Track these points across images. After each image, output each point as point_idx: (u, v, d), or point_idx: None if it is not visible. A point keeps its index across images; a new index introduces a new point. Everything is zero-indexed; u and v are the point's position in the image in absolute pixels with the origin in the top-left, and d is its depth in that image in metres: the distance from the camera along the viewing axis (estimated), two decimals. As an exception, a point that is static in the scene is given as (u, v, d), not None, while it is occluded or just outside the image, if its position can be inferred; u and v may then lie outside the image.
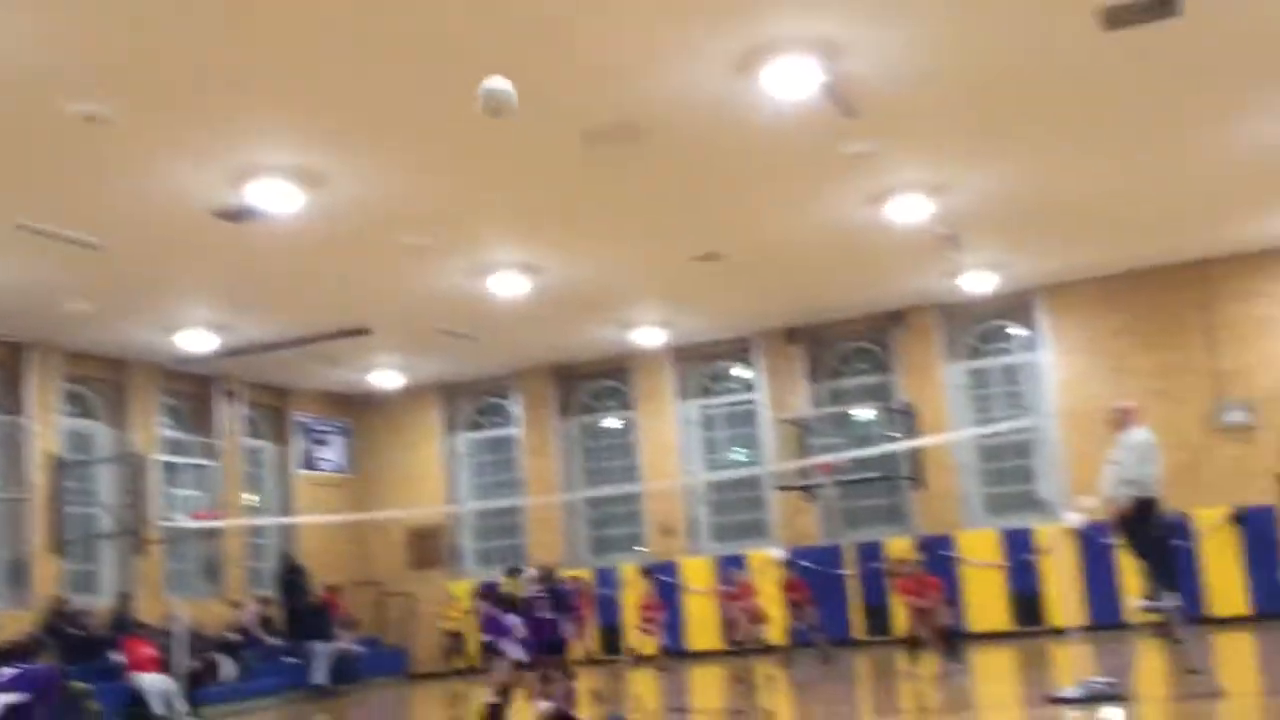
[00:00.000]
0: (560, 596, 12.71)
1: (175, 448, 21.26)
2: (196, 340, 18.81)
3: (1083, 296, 20.50)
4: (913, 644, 14.60)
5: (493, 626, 11.54)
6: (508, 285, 17.06)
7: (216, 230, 13.84)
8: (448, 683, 20.78)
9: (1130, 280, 20.12)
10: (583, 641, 14.31)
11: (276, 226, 13.85)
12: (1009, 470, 21.30)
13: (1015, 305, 21.14)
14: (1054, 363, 20.71)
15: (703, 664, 19.78)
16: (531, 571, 13.24)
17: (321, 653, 20.36)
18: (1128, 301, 20.23)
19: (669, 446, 23.01)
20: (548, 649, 11.94)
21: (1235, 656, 14.59)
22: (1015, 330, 21.49)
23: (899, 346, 21.74)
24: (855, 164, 13.54)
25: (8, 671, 8.58)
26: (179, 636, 14.53)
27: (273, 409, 23.89)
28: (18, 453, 18.66)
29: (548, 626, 12.06)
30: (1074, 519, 14.53)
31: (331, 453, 24.81)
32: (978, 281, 19.53)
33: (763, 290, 19.50)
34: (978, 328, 21.73)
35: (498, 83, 7.45)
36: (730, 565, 21.15)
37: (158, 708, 16.24)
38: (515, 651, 11.32)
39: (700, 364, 23.49)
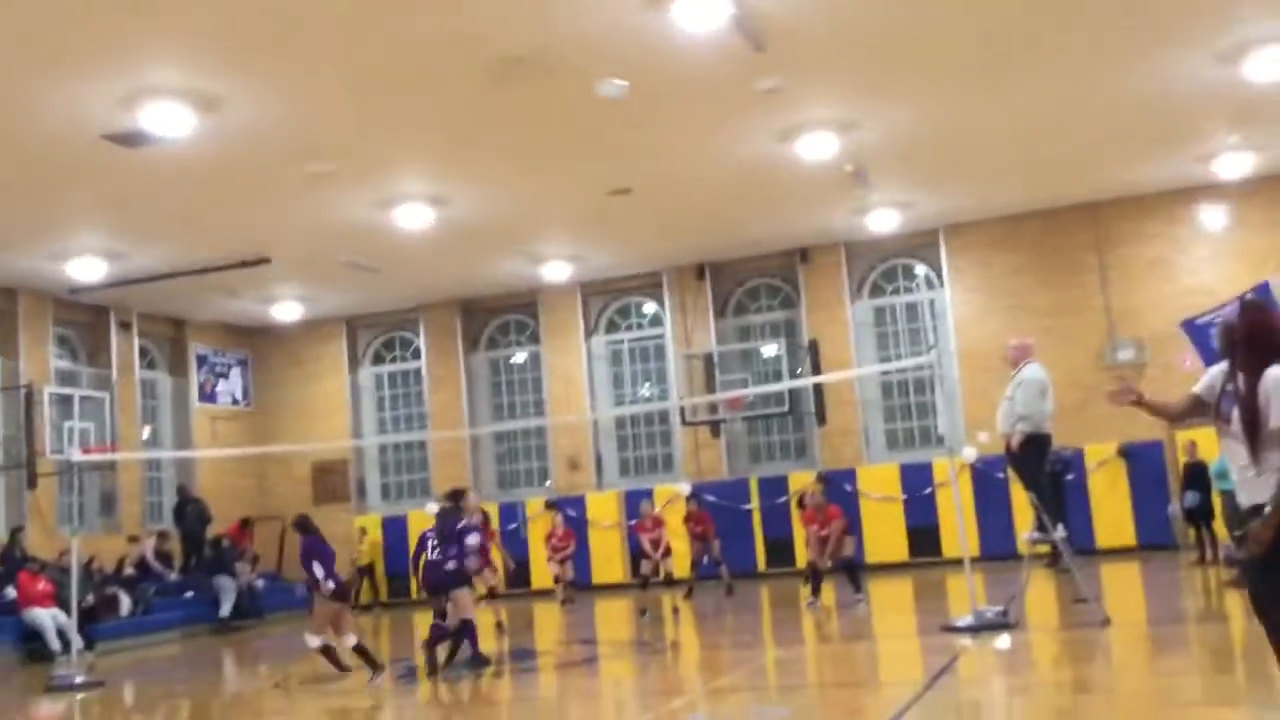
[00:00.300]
0: (451, 532, 11.96)
1: (67, 379, 20.66)
2: (89, 269, 18.22)
3: (983, 236, 20.89)
4: (814, 574, 14.90)
5: (312, 559, 11.31)
6: (414, 217, 16.78)
7: (108, 155, 13.34)
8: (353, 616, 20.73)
9: (1028, 221, 20.54)
10: (483, 577, 14.15)
11: (171, 151, 13.39)
12: (909, 406, 21.76)
13: (918, 244, 21.47)
14: (954, 301, 21.11)
15: (608, 597, 19.99)
16: (432, 505, 13.10)
17: (225, 588, 20.20)
18: (1026, 242, 20.67)
19: (576, 381, 23.03)
20: (434, 586, 11.62)
21: (1121, 587, 15.18)
22: (918, 269, 21.84)
23: (805, 284, 21.96)
24: (765, 100, 13.53)
25: None
26: (74, 571, 14.22)
27: (170, 340, 23.32)
28: (-101, 383, 17.96)
29: (430, 565, 11.68)
30: (970, 454, 14.95)
31: (231, 385, 24.34)
32: (883, 220, 19.78)
33: (673, 226, 19.50)
34: (882, 266, 22.03)
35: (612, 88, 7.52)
36: (637, 499, 21.33)
37: (53, 643, 15.95)
38: (328, 585, 11.20)
39: (609, 299, 23.47)
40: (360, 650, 11.04)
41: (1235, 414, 4.90)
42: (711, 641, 13.56)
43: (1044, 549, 13.19)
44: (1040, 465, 11.27)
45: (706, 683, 9.95)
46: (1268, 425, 4.73)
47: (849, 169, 16.31)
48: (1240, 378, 4.93)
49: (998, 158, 17.11)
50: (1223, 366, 5.13)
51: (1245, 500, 4.79)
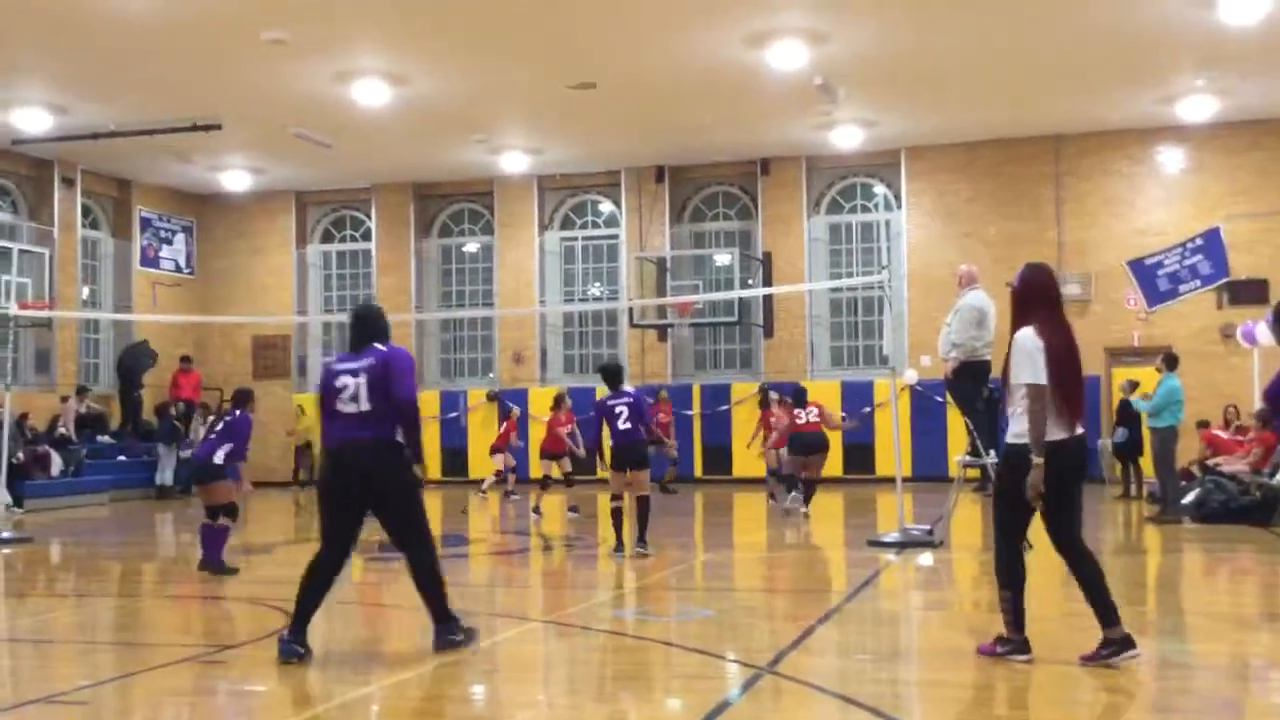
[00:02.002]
0: (640, 407, 11.27)
1: (6, 232, 20.17)
2: (32, 120, 17.68)
3: (943, 161, 20.87)
4: (787, 474, 15.46)
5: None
6: (371, 93, 16.41)
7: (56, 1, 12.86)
8: (289, 490, 20.73)
9: (988, 148, 20.55)
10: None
11: (123, 3, 12.94)
12: (857, 325, 21.91)
13: (879, 164, 21.42)
14: (910, 224, 21.15)
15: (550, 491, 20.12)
16: None
17: (166, 455, 20.22)
18: (984, 169, 20.70)
19: (527, 275, 22.89)
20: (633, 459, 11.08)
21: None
22: (877, 189, 21.81)
23: (763, 195, 21.87)
24: (739, 1, 13.31)
25: None
26: (4, 426, 14.05)
27: (114, 200, 22.80)
28: None
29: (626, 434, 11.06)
30: (911, 376, 15.09)
31: (174, 251, 23.90)
32: (846, 137, 19.68)
33: (635, 126, 19.26)
34: (841, 183, 21.98)
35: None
36: (580, 397, 21.39)
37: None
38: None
39: (565, 195, 23.24)
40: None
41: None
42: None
43: (974, 473, 13.42)
44: (976, 392, 11.39)
45: (636, 580, 10.09)
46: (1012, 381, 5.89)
47: (817, 82, 16.15)
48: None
49: (964, 82, 17.02)
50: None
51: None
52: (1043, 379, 5.78)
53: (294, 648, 6.20)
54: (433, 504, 14.62)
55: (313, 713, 5.34)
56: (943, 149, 20.74)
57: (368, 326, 6.66)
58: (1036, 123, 19.53)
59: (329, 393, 6.50)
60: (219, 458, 10.25)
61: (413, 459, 6.48)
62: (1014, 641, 6.00)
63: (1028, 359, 5.83)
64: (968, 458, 11.43)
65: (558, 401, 16.70)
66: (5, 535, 13.08)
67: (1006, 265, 19.62)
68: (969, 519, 13.38)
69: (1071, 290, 19.97)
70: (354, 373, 6.46)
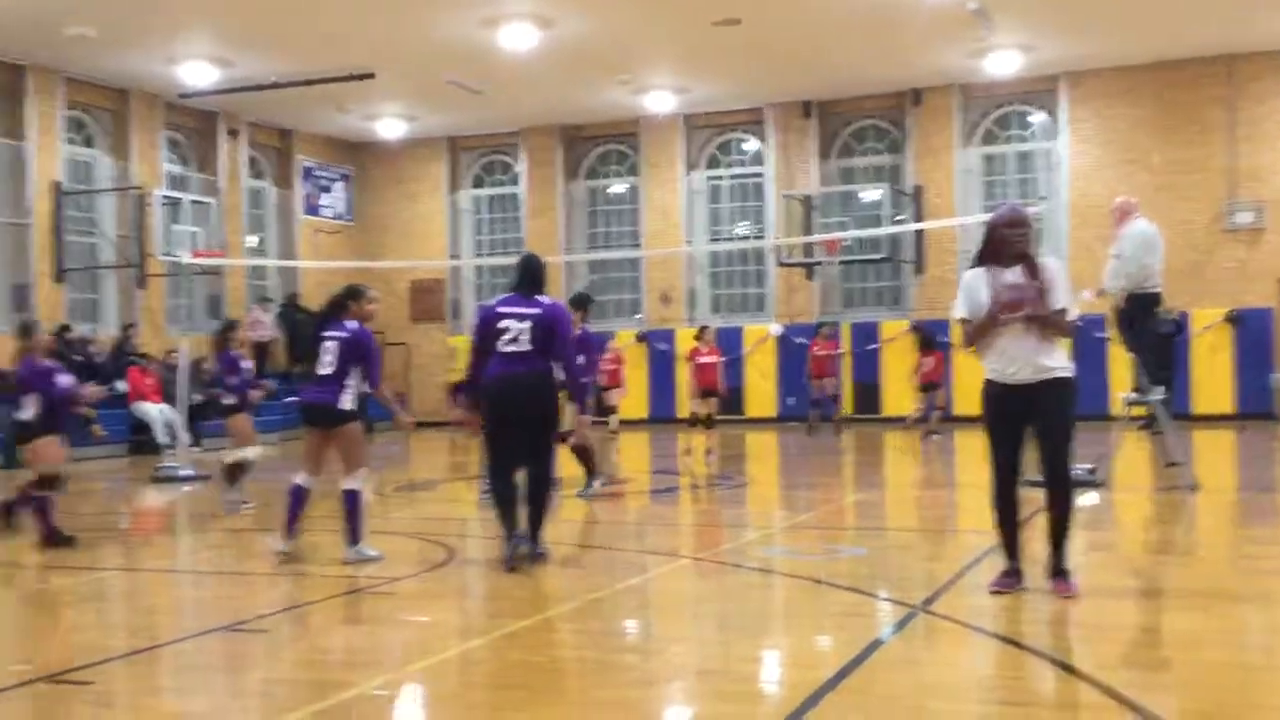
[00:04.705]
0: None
1: (177, 183, 21.09)
2: (198, 73, 18.40)
3: (1105, 86, 19.99)
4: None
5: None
6: (519, 37, 16.55)
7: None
8: (444, 432, 21.33)
9: (1154, 72, 19.58)
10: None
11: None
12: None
13: (1037, 91, 20.64)
14: (1069, 152, 20.37)
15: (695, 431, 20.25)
16: None
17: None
18: (1149, 94, 19.74)
19: (673, 215, 22.88)
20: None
21: (1215, 454, 14.95)
22: (1034, 116, 21.05)
23: (914, 127, 21.33)
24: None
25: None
26: (182, 370, 14.81)
27: (276, 150, 23.61)
28: (20, 178, 18.52)
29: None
30: (1073, 312, 14.65)
31: (334, 200, 24.66)
32: (1002, 63, 18.99)
33: (781, 61, 18.96)
34: (996, 112, 21.28)
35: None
36: (728, 337, 21.43)
37: (161, 436, 16.71)
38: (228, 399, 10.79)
39: (711, 134, 23.09)
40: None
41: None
42: (792, 481, 13.74)
43: (1140, 410, 12.97)
44: (1144, 325, 10.99)
45: (786, 519, 10.12)
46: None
47: (972, 6, 15.62)
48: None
49: (1127, 1, 16.22)
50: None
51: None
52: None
53: (521, 540, 7.09)
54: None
55: (477, 643, 5.54)
56: (1104, 73, 19.85)
57: (535, 275, 7.37)
58: (1206, 43, 18.50)
59: (490, 333, 7.07)
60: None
61: (580, 409, 7.94)
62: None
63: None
64: (1133, 395, 11.05)
65: (701, 331, 16.64)
66: (184, 473, 13.84)
67: (1172, 193, 18.94)
68: (1135, 458, 12.97)
69: (1244, 218, 19.05)
70: (519, 318, 7.10)
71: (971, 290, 6.10)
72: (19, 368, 8.74)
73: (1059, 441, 5.99)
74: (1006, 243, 6.01)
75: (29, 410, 8.58)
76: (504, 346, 7.05)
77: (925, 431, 16.83)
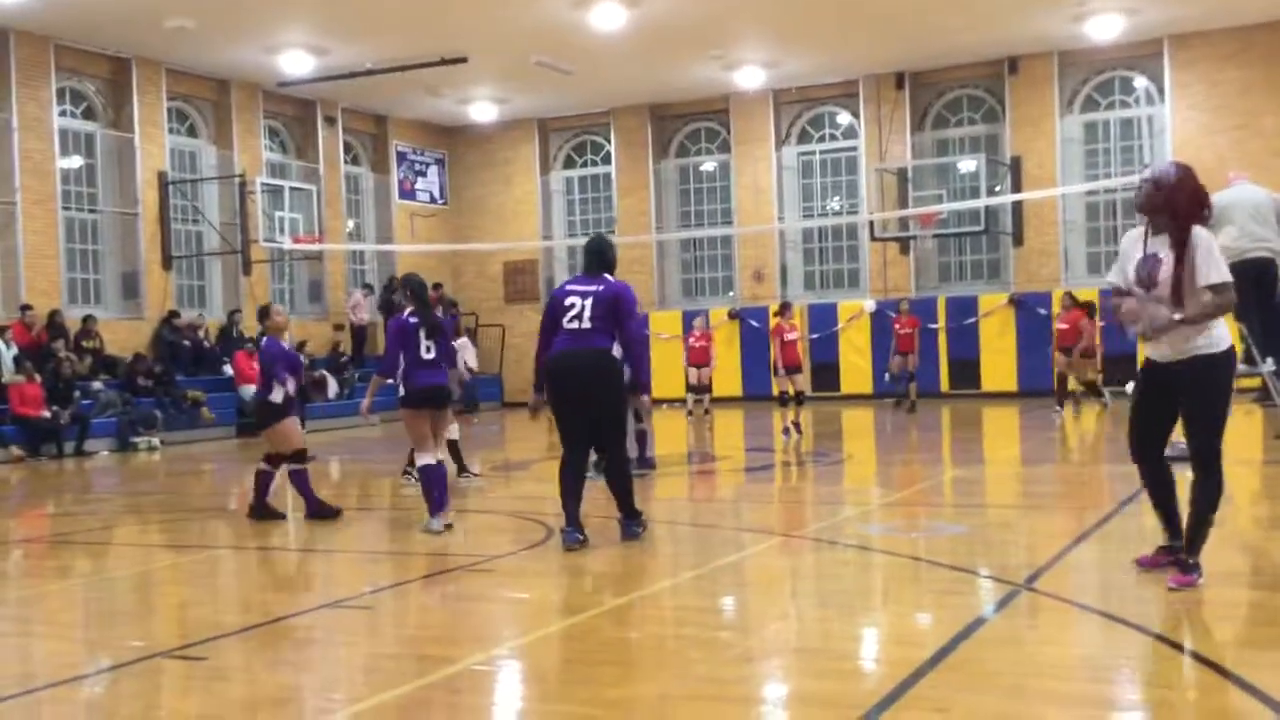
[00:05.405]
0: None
1: (277, 170, 21.57)
2: (296, 62, 18.76)
3: (1213, 48, 19.33)
4: (1063, 391, 15.95)
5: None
6: (608, 17, 16.56)
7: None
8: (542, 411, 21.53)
9: (1266, 33, 18.87)
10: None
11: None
12: (1116, 229, 20.74)
13: (1140, 55, 20.05)
14: (1175, 118, 19.77)
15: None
16: None
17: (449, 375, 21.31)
18: (1260, 55, 19.04)
19: (765, 191, 22.74)
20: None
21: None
22: (1137, 81, 20.45)
23: (1011, 96, 20.87)
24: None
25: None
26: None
27: (372, 137, 23.99)
28: (128, 169, 19.10)
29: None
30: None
31: (429, 183, 24.99)
32: (1103, 27, 18.48)
33: (873, 31, 18.68)
34: (1097, 78, 20.72)
35: None
36: (821, 313, 21.28)
37: (266, 419, 17.09)
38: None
39: (802, 108, 22.87)
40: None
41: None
42: (889, 458, 13.60)
43: (1252, 382, 12.56)
44: (1255, 293, 10.62)
45: (883, 496, 10.02)
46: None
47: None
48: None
49: (1239, -40, 15.65)
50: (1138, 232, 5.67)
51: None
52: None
53: (575, 535, 7.05)
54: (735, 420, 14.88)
55: (576, 619, 5.60)
56: (1212, 35, 19.19)
57: (602, 256, 7.39)
58: (1322, -1, 17.77)
59: (557, 310, 7.21)
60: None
61: (639, 388, 7.65)
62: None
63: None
64: (1243, 366, 10.70)
65: (783, 309, 16.38)
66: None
67: (1286, 158, 18.21)
68: (1245, 431, 12.58)
69: (1362, 183, 18.26)
70: (583, 294, 7.18)
71: (1124, 257, 5.80)
72: (267, 348, 8.90)
73: (1200, 425, 5.60)
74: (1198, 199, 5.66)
75: (279, 393, 8.80)
76: (567, 323, 7.12)
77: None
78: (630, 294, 7.34)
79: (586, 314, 7.08)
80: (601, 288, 7.17)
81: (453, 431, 10.76)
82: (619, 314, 7.14)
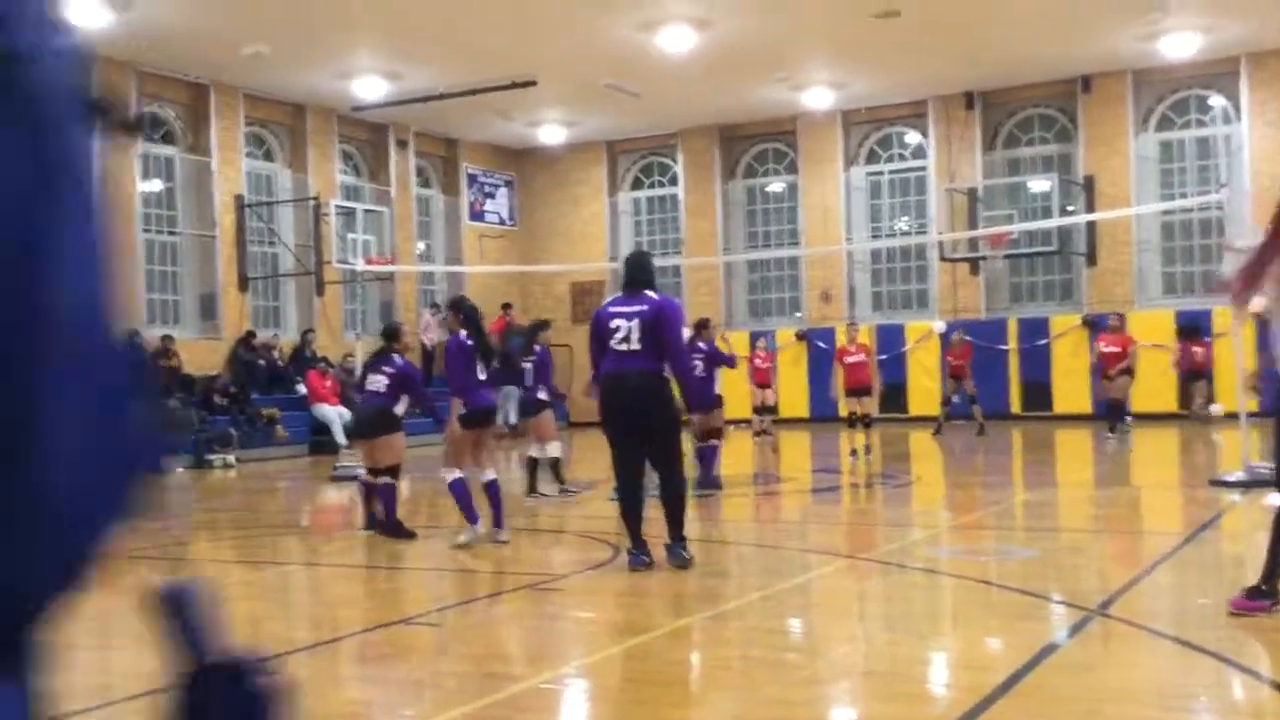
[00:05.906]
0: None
1: (350, 193, 21.93)
2: (370, 87, 19.09)
3: (1294, 65, 18.95)
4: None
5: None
6: (676, 39, 16.64)
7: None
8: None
9: (1351, 48, 18.47)
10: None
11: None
12: (1191, 249, 20.38)
13: (1216, 73, 19.70)
14: (1252, 136, 19.38)
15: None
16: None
17: (511, 395, 21.40)
18: (1345, 72, 18.63)
19: (833, 212, 22.65)
20: None
21: None
22: (1213, 100, 20.09)
23: (1084, 115, 20.61)
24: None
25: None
26: (359, 373, 15.39)
27: (443, 159, 24.32)
28: (206, 192, 19.54)
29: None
30: (1258, 303, 13.93)
31: (498, 205, 25.25)
32: (1178, 45, 18.19)
33: (941, 51, 18.57)
34: (1172, 97, 20.40)
35: None
36: (889, 334, 21.12)
37: (338, 436, 17.37)
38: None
39: (870, 129, 22.78)
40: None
41: None
42: (958, 480, 13.45)
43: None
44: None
45: (952, 519, 9.91)
46: None
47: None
48: None
49: (1320, -25, 15.34)
50: None
51: None
52: None
53: (640, 558, 7.07)
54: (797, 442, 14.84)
55: (642, 639, 5.60)
56: (1291, 52, 18.82)
57: (642, 272, 7.35)
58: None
59: (603, 331, 7.18)
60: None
61: (690, 405, 7.55)
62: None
63: None
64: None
65: (849, 330, 16.26)
66: (360, 473, 14.31)
67: (1370, 177, 17.76)
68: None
69: None
70: (628, 316, 7.11)
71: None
72: (405, 366, 9.31)
73: None
74: None
75: (402, 405, 9.21)
76: (616, 345, 7.06)
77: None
78: (674, 308, 7.28)
79: (634, 336, 7.02)
80: (646, 308, 7.06)
81: (554, 449, 11.08)
82: (663, 333, 7.05)
